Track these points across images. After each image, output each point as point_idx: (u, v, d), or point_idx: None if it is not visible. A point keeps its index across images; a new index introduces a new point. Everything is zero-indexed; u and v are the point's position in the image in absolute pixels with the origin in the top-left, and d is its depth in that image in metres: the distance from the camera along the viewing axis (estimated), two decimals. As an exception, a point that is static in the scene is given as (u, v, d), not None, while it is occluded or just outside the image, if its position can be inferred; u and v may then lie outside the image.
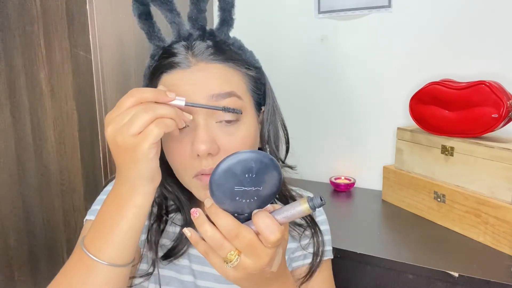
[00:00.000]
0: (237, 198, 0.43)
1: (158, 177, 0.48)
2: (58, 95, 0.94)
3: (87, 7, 0.87)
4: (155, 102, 0.46)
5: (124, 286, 0.50)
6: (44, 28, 0.92)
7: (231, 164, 0.41)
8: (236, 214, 0.44)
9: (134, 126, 0.43)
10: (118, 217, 0.47)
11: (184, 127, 0.53)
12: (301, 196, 0.72)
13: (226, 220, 0.43)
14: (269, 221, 0.42)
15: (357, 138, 1.37)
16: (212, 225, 0.44)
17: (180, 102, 0.47)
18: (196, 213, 0.45)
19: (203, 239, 0.45)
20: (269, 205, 0.45)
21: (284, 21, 1.42)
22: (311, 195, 0.72)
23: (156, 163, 0.46)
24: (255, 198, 0.43)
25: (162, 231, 0.63)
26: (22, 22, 0.94)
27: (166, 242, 0.63)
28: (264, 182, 0.43)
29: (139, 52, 1.02)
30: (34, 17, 0.93)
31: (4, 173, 1.03)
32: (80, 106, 0.93)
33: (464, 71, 1.15)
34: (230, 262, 0.43)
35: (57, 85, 0.94)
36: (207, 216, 0.45)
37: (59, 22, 0.91)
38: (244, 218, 0.45)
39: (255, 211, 0.44)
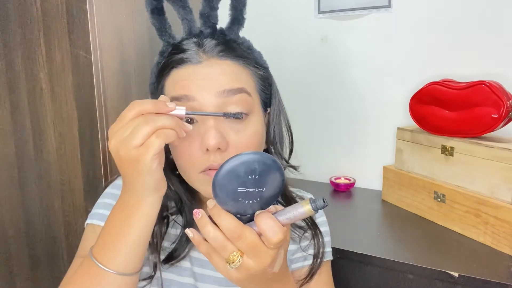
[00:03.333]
0: (240, 199, 0.43)
1: (163, 187, 0.49)
2: (58, 95, 0.94)
3: (87, 7, 0.87)
4: (156, 113, 0.46)
5: None
6: (44, 28, 0.92)
7: (234, 166, 0.41)
8: (238, 215, 0.44)
9: (135, 138, 0.43)
10: (126, 227, 0.48)
11: (193, 123, 0.53)
12: (301, 198, 0.72)
13: (228, 221, 0.43)
14: (271, 222, 0.42)
15: (357, 138, 1.37)
16: (214, 226, 0.44)
17: (181, 111, 0.48)
18: (198, 214, 0.45)
19: (206, 240, 0.45)
20: (271, 206, 0.46)
21: (284, 21, 1.42)
22: (311, 196, 0.72)
23: (160, 173, 0.47)
24: (258, 199, 0.43)
25: (164, 233, 0.63)
26: (22, 22, 0.94)
27: (167, 244, 0.63)
28: (267, 183, 0.43)
29: (139, 52, 1.02)
30: (34, 17, 0.92)
31: (4, 173, 1.03)
32: (80, 106, 0.93)
33: (464, 71, 1.15)
34: (232, 263, 0.43)
35: (57, 85, 0.94)
36: (209, 217, 0.45)
37: (59, 22, 0.90)
38: (247, 219, 0.45)
39: (257, 212, 0.44)
